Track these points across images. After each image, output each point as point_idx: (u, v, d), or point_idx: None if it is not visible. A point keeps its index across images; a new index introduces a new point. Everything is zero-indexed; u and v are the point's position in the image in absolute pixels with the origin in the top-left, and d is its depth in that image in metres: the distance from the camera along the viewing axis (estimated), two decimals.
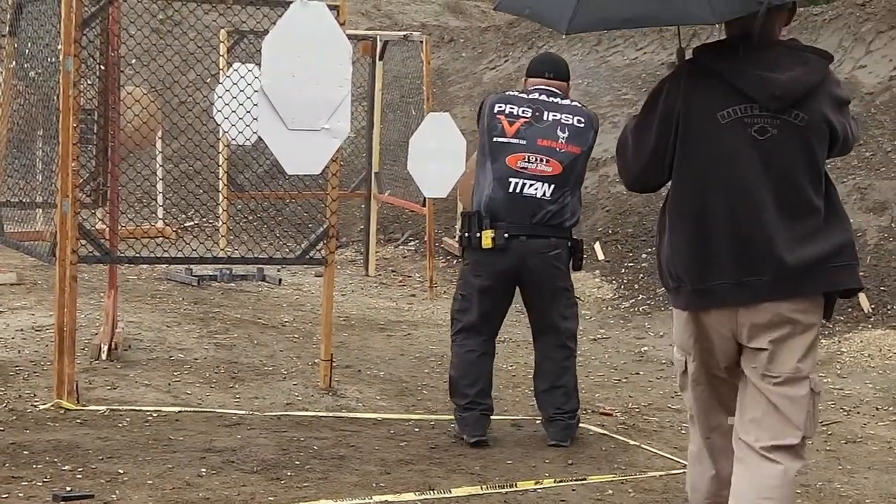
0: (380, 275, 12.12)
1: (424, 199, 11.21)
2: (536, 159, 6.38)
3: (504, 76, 16.43)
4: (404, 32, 12.25)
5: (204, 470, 5.79)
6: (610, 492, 5.79)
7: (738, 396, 4.21)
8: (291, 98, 7.13)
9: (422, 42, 11.73)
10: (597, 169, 13.00)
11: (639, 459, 6.38)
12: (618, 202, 12.23)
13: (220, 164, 12.08)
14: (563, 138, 6.42)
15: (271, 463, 5.96)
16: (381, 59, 12.36)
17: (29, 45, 8.03)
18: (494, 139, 6.44)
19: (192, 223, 13.99)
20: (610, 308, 10.48)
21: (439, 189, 10.77)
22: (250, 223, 13.89)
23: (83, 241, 7.00)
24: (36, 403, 6.84)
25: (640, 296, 10.56)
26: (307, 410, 7.02)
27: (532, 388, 7.66)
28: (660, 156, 4.17)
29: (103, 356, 7.86)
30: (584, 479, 5.94)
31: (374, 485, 5.73)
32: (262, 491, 5.54)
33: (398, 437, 6.55)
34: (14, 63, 8.22)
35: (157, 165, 14.14)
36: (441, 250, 12.53)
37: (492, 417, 6.81)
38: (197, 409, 6.91)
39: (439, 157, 10.58)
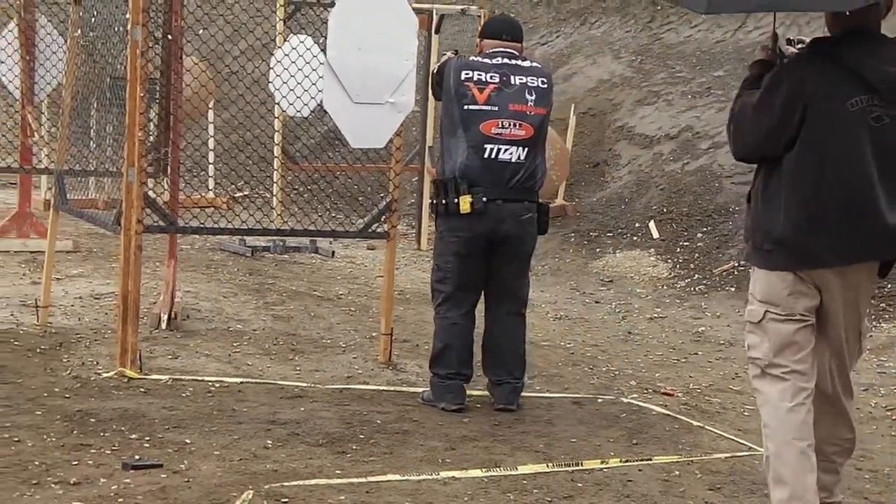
0: (432, 248, 12.07)
1: None
2: (510, 124, 6.47)
3: (556, 51, 16.34)
4: (461, 6, 12.18)
5: (270, 442, 5.80)
6: (676, 473, 5.76)
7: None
8: (357, 71, 7.10)
9: (479, 16, 11.67)
10: (650, 147, 12.93)
11: (703, 441, 6.34)
12: (672, 181, 12.15)
13: (274, 135, 12.04)
14: (531, 101, 6.52)
15: (336, 436, 5.96)
16: (437, 32, 12.30)
17: (94, 13, 8.02)
18: (465, 107, 6.48)
19: (241, 194, 14.00)
20: (665, 287, 10.42)
21: None
22: (300, 195, 13.89)
23: (148, 211, 7.01)
24: (99, 371, 6.87)
25: (696, 275, 10.50)
26: (368, 384, 7.02)
27: (591, 366, 7.68)
28: (780, 132, 4.60)
29: (163, 325, 7.90)
30: (650, 460, 5.91)
31: (439, 460, 5.71)
32: (329, 464, 5.54)
33: (461, 414, 6.53)
34: (78, 31, 8.22)
35: (209, 136, 14.18)
36: None
37: (552, 395, 6.81)
38: (259, 381, 6.92)
39: None
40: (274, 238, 11.04)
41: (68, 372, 6.83)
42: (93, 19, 8.18)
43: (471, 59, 6.67)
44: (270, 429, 6.01)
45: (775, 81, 4.65)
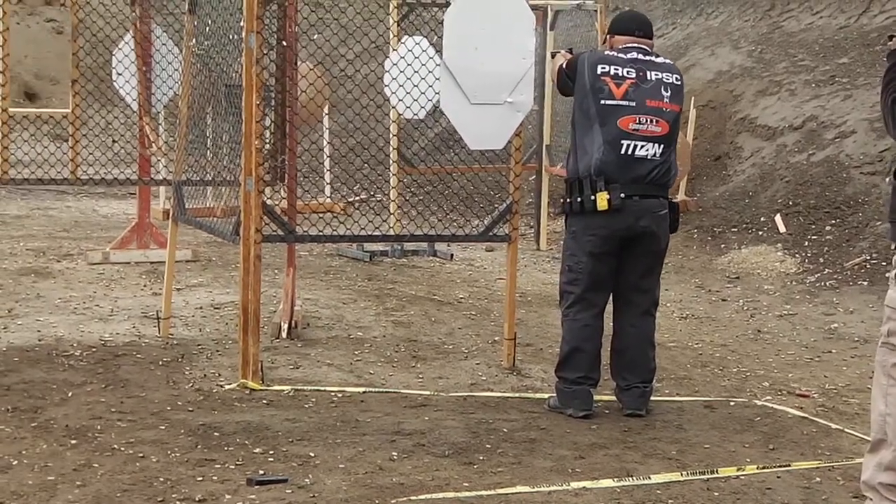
0: (551, 249, 11.93)
1: None
2: (647, 120, 6.34)
3: (672, 44, 16.04)
4: (577, 1, 11.98)
5: (395, 453, 5.68)
6: (818, 480, 5.52)
7: None
8: (474, 71, 6.98)
9: (595, 10, 11.47)
10: (774, 139, 12.60)
11: (843, 445, 6.09)
12: (798, 173, 11.82)
13: (391, 138, 11.95)
14: (667, 97, 6.40)
15: (462, 446, 5.82)
16: (552, 28, 12.13)
17: (209, 21, 7.99)
18: (602, 102, 6.33)
19: (357, 198, 13.95)
20: (794, 283, 10.12)
21: None
22: (417, 197, 13.81)
23: (266, 220, 6.94)
24: (221, 383, 6.82)
25: (826, 270, 10.17)
26: (493, 391, 6.87)
27: (721, 367, 7.45)
28: None
29: (283, 335, 7.84)
30: (788, 466, 5.68)
31: (569, 470, 5.55)
32: (457, 476, 5.40)
33: (588, 420, 6.35)
34: (193, 41, 8.20)
35: (324, 140, 14.17)
36: None
37: (682, 398, 6.61)
38: (382, 390, 6.81)
39: None
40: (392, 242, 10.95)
41: (191, 384, 6.79)
42: (207, 28, 8.14)
43: (605, 53, 6.53)
44: (395, 440, 5.89)
45: None
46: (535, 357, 7.66)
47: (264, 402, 6.50)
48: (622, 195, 6.27)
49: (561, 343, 6.58)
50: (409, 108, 8.93)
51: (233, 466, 5.43)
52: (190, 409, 6.32)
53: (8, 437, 5.74)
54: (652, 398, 6.59)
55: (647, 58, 6.45)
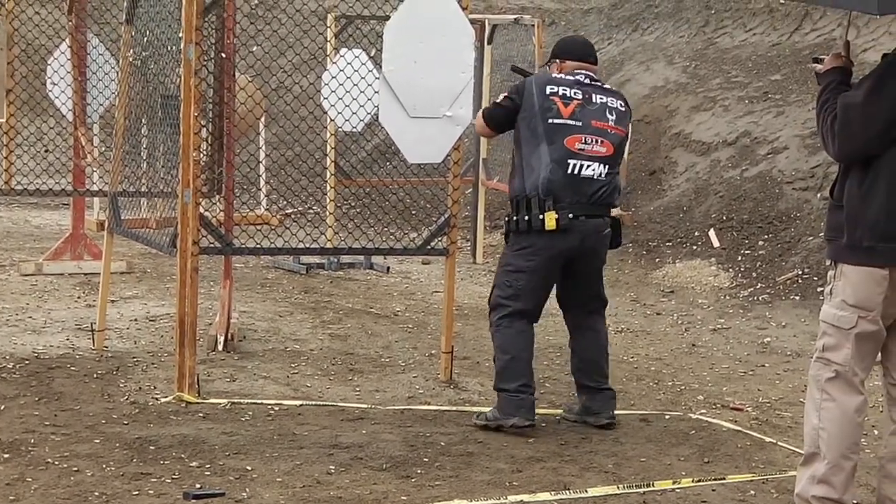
0: (488, 262, 11.95)
1: None
2: (592, 140, 6.39)
3: (608, 59, 16.16)
4: (514, 16, 12.03)
5: (333, 467, 5.67)
6: (752, 492, 5.58)
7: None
8: (413, 85, 6.99)
9: (533, 25, 11.53)
10: (708, 154, 12.72)
11: (777, 458, 6.16)
12: (731, 188, 11.93)
13: (328, 151, 11.94)
14: (612, 120, 6.47)
15: (400, 460, 5.82)
16: (489, 43, 12.17)
17: (146, 32, 7.94)
18: (550, 121, 6.37)
19: (293, 210, 13.91)
20: (728, 297, 10.21)
21: None
22: (355, 210, 13.80)
23: (203, 232, 6.91)
24: (157, 396, 6.78)
25: (759, 284, 10.29)
26: (430, 404, 6.88)
27: (656, 381, 7.51)
28: (886, 130, 4.80)
29: (220, 347, 7.82)
30: (724, 479, 5.73)
31: (507, 483, 5.57)
32: (395, 490, 5.40)
33: (525, 433, 6.37)
34: (130, 51, 8.15)
35: (261, 152, 14.11)
36: None
37: (618, 412, 6.66)
38: (319, 403, 6.80)
39: None
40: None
41: (126, 397, 6.74)
42: (145, 39, 8.10)
43: (553, 75, 6.59)
44: (333, 453, 5.88)
45: (879, 82, 4.84)
46: (473, 370, 7.68)
47: (200, 415, 6.47)
48: (570, 215, 6.31)
49: (496, 354, 6.53)
50: (347, 120, 8.94)
51: (169, 480, 5.40)
52: (125, 422, 6.27)
53: None
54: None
55: (595, 83, 6.55)
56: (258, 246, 7.29)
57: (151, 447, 5.84)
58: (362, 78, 8.22)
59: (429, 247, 7.46)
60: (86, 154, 10.28)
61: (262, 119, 13.82)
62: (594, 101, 6.46)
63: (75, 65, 10.18)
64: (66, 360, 7.46)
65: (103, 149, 11.53)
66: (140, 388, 6.95)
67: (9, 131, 10.31)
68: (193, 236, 6.77)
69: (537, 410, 6.68)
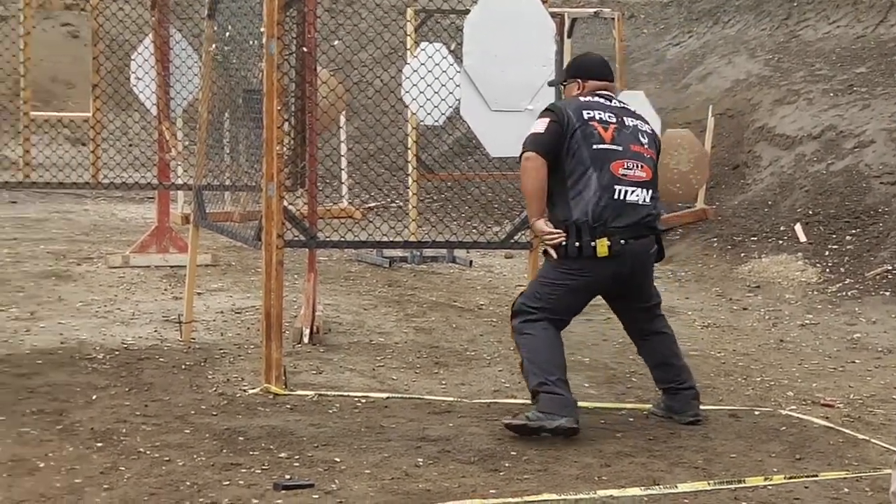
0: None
1: None
2: (633, 165, 6.20)
3: (688, 52, 16.04)
4: (594, 10, 11.97)
5: (421, 460, 5.66)
6: (846, 490, 5.49)
7: None
8: (494, 79, 6.98)
9: (613, 18, 11.46)
10: (792, 148, 12.58)
11: (871, 455, 6.05)
12: (817, 182, 11.78)
13: (409, 145, 11.95)
14: (645, 143, 6.28)
15: (487, 453, 5.80)
16: (569, 36, 12.12)
17: (228, 27, 7.99)
18: (595, 146, 6.13)
19: (375, 204, 13.96)
20: (816, 292, 10.08)
21: None
22: (437, 204, 13.82)
23: (287, 225, 6.93)
24: (244, 388, 6.81)
25: (848, 279, 10.14)
26: (516, 398, 6.85)
27: (744, 377, 7.43)
28: None
29: (305, 340, 7.84)
30: (816, 476, 5.64)
31: (595, 478, 5.52)
32: (483, 483, 5.38)
33: (613, 428, 6.33)
34: (213, 46, 8.20)
35: (342, 145, 14.17)
36: None
37: (706, 407, 6.59)
38: (405, 396, 6.79)
39: None
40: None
41: (214, 389, 6.78)
42: (227, 33, 8.15)
43: (581, 99, 6.30)
44: (420, 446, 5.87)
45: None
46: None
47: (288, 406, 6.49)
48: (622, 241, 6.13)
49: (525, 356, 6.17)
50: (429, 114, 8.95)
51: (259, 471, 5.42)
52: (214, 413, 6.31)
53: (34, 440, 5.73)
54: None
55: (619, 105, 6.34)
56: (342, 239, 7.29)
57: (240, 438, 5.87)
58: (443, 72, 8.22)
59: (512, 241, 7.43)
60: (170, 148, 10.37)
61: (344, 113, 13.89)
62: (627, 124, 6.25)
63: (158, 60, 10.27)
64: (155, 351, 7.53)
65: (186, 143, 11.65)
66: (228, 379, 6.99)
67: (95, 126, 10.42)
68: (278, 230, 6.80)
69: (625, 405, 6.64)
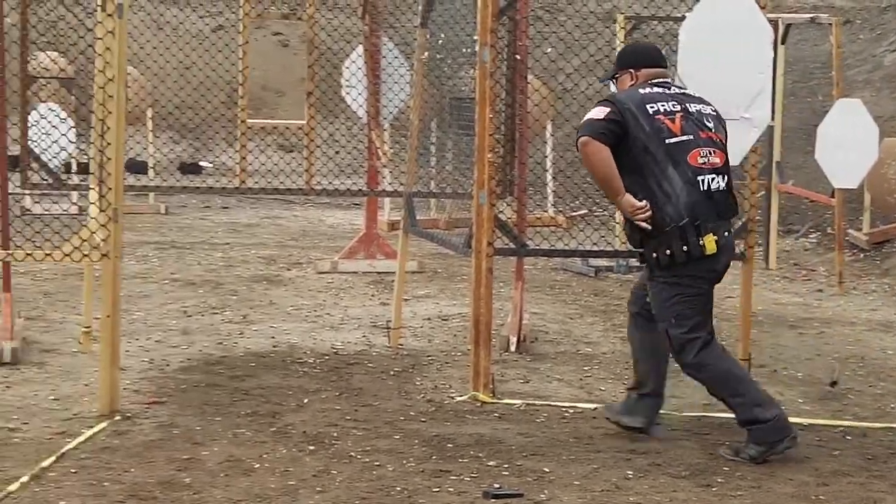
0: (781, 268, 11.63)
1: (832, 189, 10.68)
2: (708, 152, 5.91)
3: None
4: (811, 15, 11.68)
5: (630, 472, 5.58)
6: None
7: None
8: (710, 86, 6.81)
9: (830, 24, 11.16)
10: None
11: None
12: None
13: None
14: (711, 127, 6.00)
15: (699, 468, 5.68)
16: (783, 42, 11.84)
17: (441, 35, 8.04)
18: (668, 141, 5.84)
19: (580, 212, 13.88)
20: None
21: (849, 179, 10.28)
22: None
23: (497, 233, 6.94)
24: (452, 395, 6.84)
25: None
26: (727, 412, 6.68)
27: None
28: None
29: (512, 348, 7.84)
30: None
31: (812, 496, 5.36)
32: (695, 498, 5.27)
33: (828, 446, 6.14)
34: (425, 54, 8.27)
35: (548, 153, 14.15)
36: (847, 243, 11.88)
37: None
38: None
39: (849, 146, 10.11)
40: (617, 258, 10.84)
41: (422, 395, 6.82)
42: (439, 41, 8.21)
43: (642, 92, 5.96)
44: (630, 458, 5.79)
45: None
46: (771, 379, 7.45)
47: (496, 415, 6.48)
48: (726, 233, 5.92)
49: (724, 388, 5.91)
50: None
51: (468, 479, 5.42)
52: (423, 419, 6.35)
53: (249, 441, 5.85)
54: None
55: (679, 90, 6.09)
56: (552, 248, 7.27)
57: (449, 445, 5.89)
58: None
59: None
60: (380, 155, 10.50)
61: (551, 121, 13.87)
62: (691, 110, 5.97)
63: (370, 68, 10.41)
64: (364, 356, 7.62)
65: (395, 150, 11.78)
66: (436, 386, 7.02)
67: (309, 133, 10.61)
68: (488, 237, 6.81)
69: (841, 422, 6.44)
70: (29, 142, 8.73)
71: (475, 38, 7.00)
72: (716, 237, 5.83)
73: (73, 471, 5.32)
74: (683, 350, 5.92)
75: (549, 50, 10.36)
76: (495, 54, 6.92)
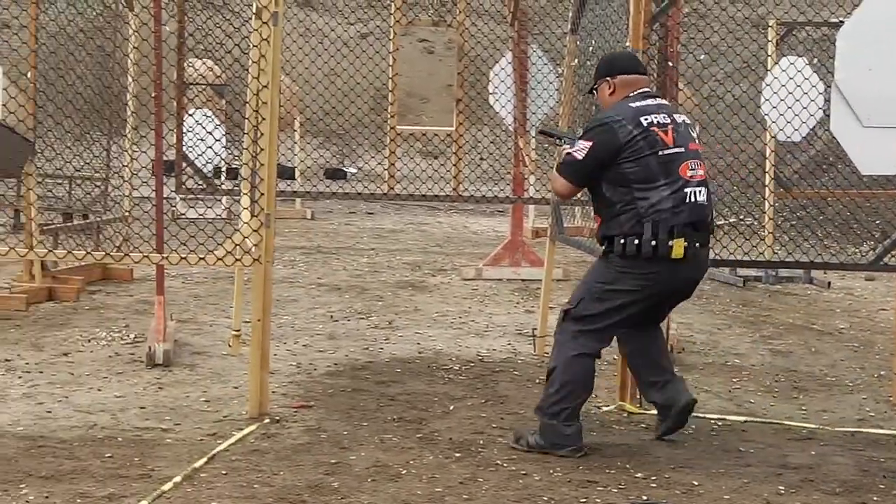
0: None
1: None
2: (695, 164, 5.90)
3: None
4: None
5: (782, 488, 5.46)
6: None
7: None
8: (867, 93, 6.68)
9: None
10: None
11: None
12: None
13: (766, 161, 11.66)
14: (695, 138, 6.02)
15: (854, 485, 5.54)
16: None
17: (591, 42, 7.99)
18: (661, 153, 5.80)
19: (724, 221, 13.68)
20: None
21: None
22: (789, 223, 13.42)
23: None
24: (598, 405, 6.78)
25: None
26: (882, 428, 6.54)
27: None
28: None
29: None
30: None
31: None
32: None
33: None
34: (575, 60, 8.23)
35: None
36: None
37: None
38: (764, 420, 6.59)
39: None
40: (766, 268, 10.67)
41: None
42: (590, 48, 8.16)
43: (634, 105, 5.91)
44: (781, 473, 5.67)
45: None
46: None
47: (642, 426, 6.41)
48: (697, 244, 5.84)
49: (558, 378, 5.92)
50: (781, 129, 8.71)
51: (615, 490, 5.36)
52: None
53: (396, 447, 5.87)
54: None
55: (663, 101, 6.13)
56: (717, 256, 7.14)
57: (596, 455, 5.83)
58: (797, 86, 8.00)
59: (882, 262, 7.11)
60: (526, 162, 10.48)
61: (696, 128, 13.70)
62: (678, 121, 5.94)
63: (519, 75, 10.40)
64: (509, 364, 7.60)
65: (541, 158, 11.75)
66: None
67: (458, 139, 10.65)
68: None
69: None
70: (184, 147, 8.91)
71: (627, 44, 6.94)
72: (685, 244, 5.79)
73: (223, 472, 5.39)
74: (563, 324, 5.98)
75: (703, 56, 10.22)
76: (647, 60, 6.84)
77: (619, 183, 5.84)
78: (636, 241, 5.78)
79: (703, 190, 5.90)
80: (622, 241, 5.81)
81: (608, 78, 6.12)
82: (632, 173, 5.81)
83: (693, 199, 5.84)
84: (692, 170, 5.87)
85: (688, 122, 6.06)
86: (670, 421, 6.13)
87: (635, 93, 6.02)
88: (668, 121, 5.91)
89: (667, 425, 6.14)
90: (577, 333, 5.91)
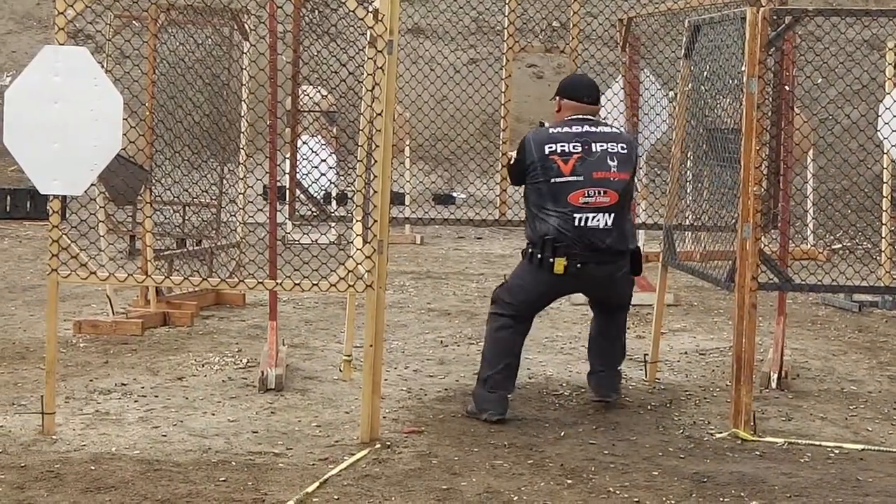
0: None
1: None
2: (595, 192, 6.67)
3: None
4: None
5: None
6: None
7: None
8: None
9: None
10: None
11: None
12: None
13: (885, 185, 11.45)
14: (613, 167, 6.71)
15: None
16: None
17: (706, 67, 7.93)
18: (553, 180, 6.67)
19: (840, 245, 13.48)
20: None
21: None
22: None
23: (763, 268, 6.79)
24: (711, 431, 6.71)
25: None
26: None
27: None
28: None
29: (773, 385, 7.65)
30: None
31: None
32: None
33: None
34: (689, 85, 8.17)
35: (807, 184, 13.82)
36: None
37: None
38: (882, 448, 6.47)
39: None
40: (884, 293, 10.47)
41: (681, 431, 6.72)
42: (704, 73, 8.09)
43: (551, 131, 6.78)
44: None
45: None
46: None
47: (757, 453, 6.33)
48: (579, 265, 6.65)
49: (488, 351, 6.86)
50: None
51: None
52: (681, 455, 6.25)
53: (507, 472, 5.87)
54: None
55: (594, 129, 6.77)
56: (819, 283, 7.06)
57: (709, 483, 5.78)
58: None
59: None
60: (639, 188, 10.41)
61: (811, 151, 13.54)
62: (594, 150, 6.69)
63: (630, 99, 10.34)
64: (621, 390, 7.54)
65: (653, 183, 11.66)
66: (694, 422, 6.91)
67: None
68: (753, 272, 6.67)
69: None
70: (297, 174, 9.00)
71: (742, 68, 6.89)
72: (566, 262, 6.62)
73: (335, 497, 5.43)
74: (493, 306, 6.95)
75: (820, 80, 10.10)
76: (763, 85, 6.79)
77: (530, 192, 6.80)
78: (538, 255, 6.69)
79: (601, 216, 6.67)
80: (529, 249, 6.77)
81: (559, 97, 6.98)
82: (531, 194, 6.77)
83: (583, 224, 6.65)
84: (589, 197, 6.66)
85: (615, 150, 6.75)
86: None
87: (572, 117, 6.83)
88: (578, 150, 6.69)
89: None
90: (495, 315, 6.90)
